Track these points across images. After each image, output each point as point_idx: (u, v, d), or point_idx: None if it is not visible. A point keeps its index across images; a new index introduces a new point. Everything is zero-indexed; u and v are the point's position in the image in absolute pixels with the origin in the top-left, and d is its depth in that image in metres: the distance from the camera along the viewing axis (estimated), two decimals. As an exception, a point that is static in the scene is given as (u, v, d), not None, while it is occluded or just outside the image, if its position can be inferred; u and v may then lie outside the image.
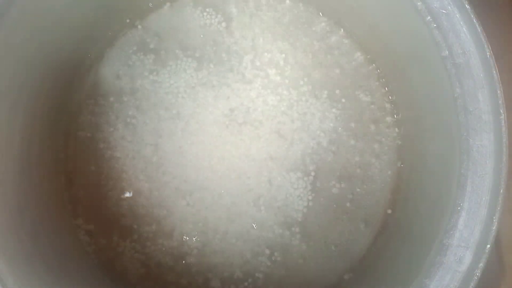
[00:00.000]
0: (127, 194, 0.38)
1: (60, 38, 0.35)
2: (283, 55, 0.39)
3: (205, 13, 0.40)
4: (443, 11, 0.29)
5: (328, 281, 0.38)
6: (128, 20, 0.40)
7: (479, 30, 0.28)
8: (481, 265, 0.27)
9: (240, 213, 0.38)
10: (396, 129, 0.39)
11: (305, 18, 0.40)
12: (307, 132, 0.38)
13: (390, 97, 0.39)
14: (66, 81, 0.38)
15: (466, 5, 0.28)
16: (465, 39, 0.28)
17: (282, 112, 0.39)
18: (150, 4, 0.40)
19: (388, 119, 0.39)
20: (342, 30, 0.40)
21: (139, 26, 0.40)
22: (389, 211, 0.38)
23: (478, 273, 0.27)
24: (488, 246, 0.27)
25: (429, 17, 0.29)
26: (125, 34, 0.40)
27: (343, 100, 0.39)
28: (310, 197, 0.38)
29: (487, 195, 0.28)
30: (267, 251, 0.38)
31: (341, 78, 0.39)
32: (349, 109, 0.39)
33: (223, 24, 0.40)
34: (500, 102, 0.28)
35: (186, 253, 0.37)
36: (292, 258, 0.38)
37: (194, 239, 0.38)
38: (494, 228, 0.27)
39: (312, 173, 0.38)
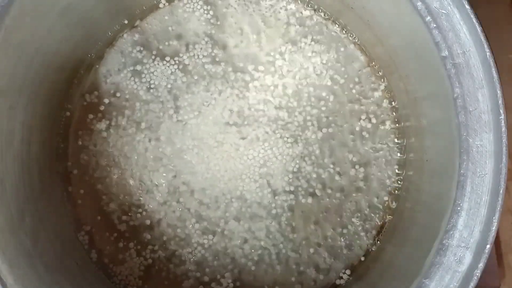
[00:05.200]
0: (127, 195, 0.38)
1: (60, 38, 0.35)
2: (283, 56, 0.39)
3: (205, 13, 0.40)
4: (443, 11, 0.29)
5: (328, 281, 0.38)
6: (127, 20, 0.40)
7: (479, 30, 0.28)
8: (481, 265, 0.27)
9: (239, 215, 0.38)
10: (396, 129, 0.39)
11: (304, 19, 0.40)
12: (307, 133, 0.38)
13: (389, 97, 0.39)
14: (66, 81, 0.38)
15: (466, 5, 0.28)
16: (465, 39, 0.28)
17: (281, 113, 0.39)
18: (150, 4, 0.40)
19: (388, 119, 0.39)
20: (341, 30, 0.40)
21: (139, 26, 0.40)
22: (389, 211, 0.38)
23: (478, 273, 0.27)
24: (488, 246, 0.27)
25: (429, 17, 0.29)
26: (125, 34, 0.40)
27: (343, 100, 0.39)
28: (310, 198, 0.38)
29: (487, 195, 0.28)
30: (266, 252, 0.38)
31: (340, 79, 0.39)
32: (349, 109, 0.39)
33: (224, 24, 0.40)
34: (500, 102, 0.28)
35: (184, 254, 0.37)
36: (291, 258, 0.38)
37: (192, 240, 0.38)
38: (494, 228, 0.27)
39: (313, 175, 0.38)
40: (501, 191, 0.27)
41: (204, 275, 0.37)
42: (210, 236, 0.38)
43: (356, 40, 0.40)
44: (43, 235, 0.32)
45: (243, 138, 0.38)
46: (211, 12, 0.40)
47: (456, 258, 0.28)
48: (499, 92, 0.28)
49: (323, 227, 0.38)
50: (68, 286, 0.32)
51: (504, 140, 0.28)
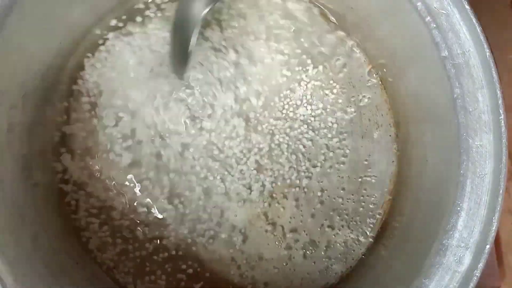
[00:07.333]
0: (127, 195, 0.38)
1: (60, 38, 0.35)
2: (286, 57, 0.39)
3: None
4: (443, 11, 0.29)
5: (328, 281, 0.38)
6: (127, 21, 0.40)
7: (479, 31, 0.28)
8: (480, 265, 0.27)
9: (237, 217, 0.38)
10: (396, 130, 0.39)
11: (305, 19, 0.40)
12: (307, 132, 0.38)
13: (389, 97, 0.39)
14: (66, 81, 0.38)
15: (466, 6, 0.28)
16: (464, 39, 0.28)
17: (280, 114, 0.39)
18: (148, 5, 0.40)
19: (388, 119, 0.39)
20: (341, 30, 0.40)
21: (139, 27, 0.40)
22: (389, 211, 0.38)
23: (477, 273, 0.27)
24: (488, 246, 0.27)
25: (429, 17, 0.29)
26: (127, 34, 0.40)
27: (342, 100, 0.39)
28: (309, 198, 0.38)
29: (486, 195, 0.28)
30: (266, 252, 0.38)
31: (339, 79, 0.39)
32: (348, 109, 0.39)
33: (227, 23, 0.40)
34: (499, 102, 0.28)
35: (186, 254, 0.38)
36: (290, 259, 0.38)
37: (191, 240, 0.38)
38: (493, 228, 0.27)
39: (313, 174, 0.38)
40: (501, 191, 0.27)
41: (207, 274, 0.37)
42: (211, 238, 0.38)
43: (356, 40, 0.40)
44: (43, 235, 0.32)
45: (243, 131, 0.38)
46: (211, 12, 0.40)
47: (456, 258, 0.28)
48: (499, 92, 0.28)
49: (323, 227, 0.38)
50: (68, 286, 0.32)
51: (504, 140, 0.28)
